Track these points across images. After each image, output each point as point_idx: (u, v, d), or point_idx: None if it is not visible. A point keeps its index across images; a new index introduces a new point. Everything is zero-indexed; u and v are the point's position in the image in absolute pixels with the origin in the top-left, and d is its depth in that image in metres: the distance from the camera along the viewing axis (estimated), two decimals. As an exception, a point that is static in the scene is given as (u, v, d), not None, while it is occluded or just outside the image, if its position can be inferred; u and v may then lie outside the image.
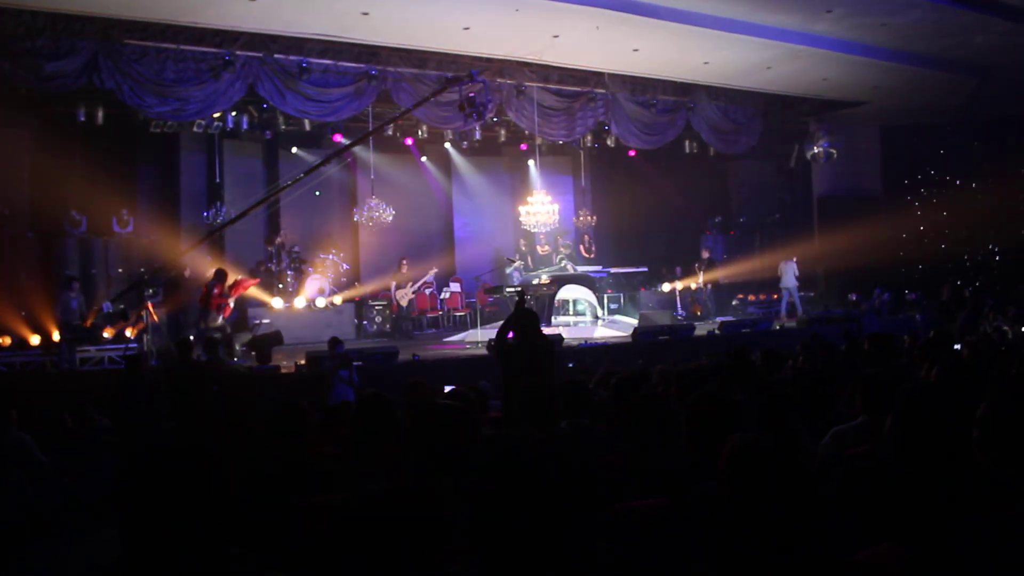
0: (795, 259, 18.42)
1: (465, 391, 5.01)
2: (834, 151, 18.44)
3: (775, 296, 19.15)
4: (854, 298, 18.77)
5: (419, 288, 17.09)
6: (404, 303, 16.79)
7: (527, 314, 7.42)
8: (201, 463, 1.64)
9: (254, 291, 15.38)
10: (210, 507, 1.61)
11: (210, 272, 13.81)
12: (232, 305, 13.54)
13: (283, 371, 11.56)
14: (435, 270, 17.43)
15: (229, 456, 3.24)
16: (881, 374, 3.93)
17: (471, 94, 11.98)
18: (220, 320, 13.19)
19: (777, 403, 3.75)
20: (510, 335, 7.36)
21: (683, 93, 17.20)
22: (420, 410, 2.67)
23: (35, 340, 12.87)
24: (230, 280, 13.52)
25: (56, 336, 12.96)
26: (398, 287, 16.72)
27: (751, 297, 19.34)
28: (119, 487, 1.61)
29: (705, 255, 18.70)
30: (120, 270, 15.01)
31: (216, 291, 13.21)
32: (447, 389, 6.25)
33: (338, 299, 16.44)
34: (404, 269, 17.06)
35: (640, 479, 3.26)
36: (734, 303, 19.12)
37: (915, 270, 20.24)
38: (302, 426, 3.63)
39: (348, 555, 2.25)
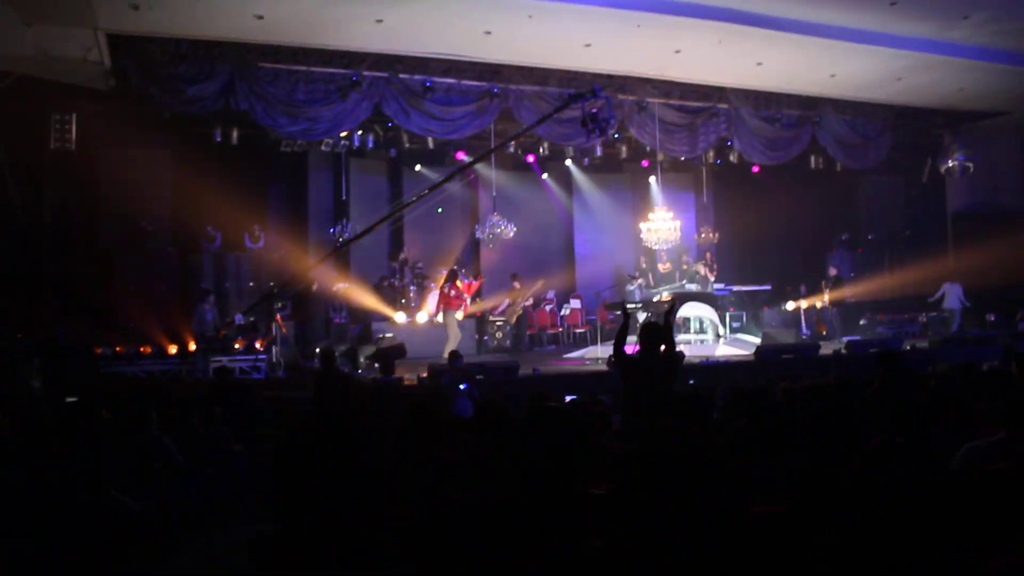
0: (960, 282, 17.71)
1: (586, 401, 5.02)
2: (970, 164, 17.66)
3: (906, 316, 18.42)
4: (992, 319, 17.84)
5: (529, 304, 17.17)
6: (512, 320, 16.90)
7: (651, 327, 7.33)
8: (352, 441, 1.69)
9: (378, 305, 15.81)
10: (359, 484, 1.65)
11: (441, 275, 15.17)
12: (469, 303, 14.90)
13: (406, 383, 11.77)
14: (541, 282, 17.51)
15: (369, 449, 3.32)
16: None
17: (593, 110, 11.97)
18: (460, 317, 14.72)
19: (914, 411, 3.62)
20: (631, 349, 7.30)
21: (808, 107, 16.82)
22: (534, 412, 2.68)
23: (172, 350, 13.46)
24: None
25: (192, 346, 13.54)
26: (510, 304, 16.88)
27: (880, 316, 18.61)
28: (280, 458, 1.66)
29: (832, 272, 18.11)
30: (251, 284, 15.63)
31: (452, 292, 14.51)
32: (568, 399, 6.26)
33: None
34: (517, 285, 17.23)
35: (760, 487, 3.20)
36: (862, 323, 18.46)
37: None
38: (433, 426, 3.70)
39: (471, 550, 2.31)
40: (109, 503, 4.99)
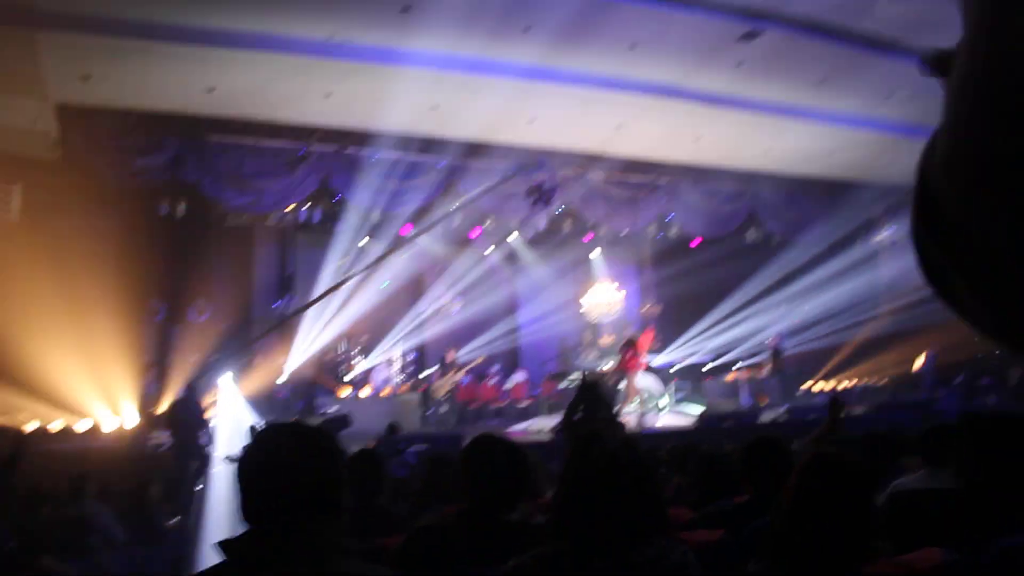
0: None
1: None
2: (901, 238, 18.28)
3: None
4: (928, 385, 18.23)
5: (458, 378, 16.99)
6: (439, 395, 16.52)
7: (593, 390, 7.43)
8: (321, 450, 1.73)
9: (324, 381, 15.70)
10: (325, 493, 1.70)
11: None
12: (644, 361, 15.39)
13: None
14: (481, 358, 17.33)
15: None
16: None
17: (537, 182, 12.28)
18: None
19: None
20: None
21: (746, 182, 17.32)
22: (472, 443, 2.79)
23: (113, 423, 13.18)
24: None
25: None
26: (440, 376, 16.60)
27: (817, 387, 18.95)
28: (241, 462, 1.70)
29: (771, 342, 18.46)
30: (196, 356, 15.40)
31: (630, 356, 14.83)
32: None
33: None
34: (449, 357, 16.92)
35: (702, 521, 3.31)
36: (799, 392, 18.77)
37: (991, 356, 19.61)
38: (379, 472, 3.71)
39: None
40: (44, 571, 4.86)
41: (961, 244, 0.58)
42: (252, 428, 11.57)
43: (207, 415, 11.91)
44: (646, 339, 15.78)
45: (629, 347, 15.05)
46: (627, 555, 1.90)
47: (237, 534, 1.68)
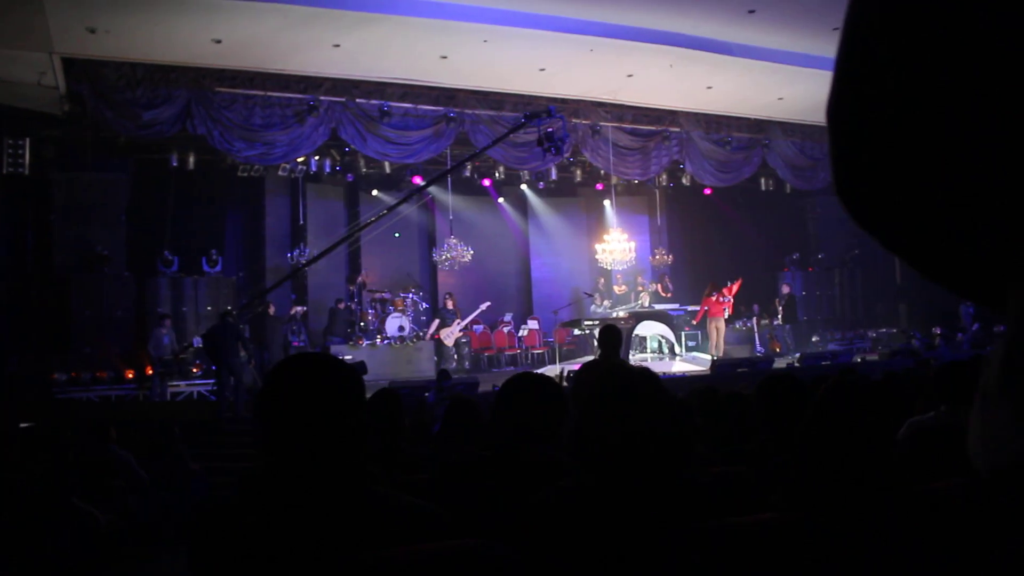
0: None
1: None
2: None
3: (856, 333, 18.83)
4: (938, 332, 18.26)
5: (467, 326, 17.00)
6: (450, 343, 16.43)
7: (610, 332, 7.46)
8: (344, 376, 1.70)
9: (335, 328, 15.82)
10: (350, 419, 1.66)
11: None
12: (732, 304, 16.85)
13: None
14: (488, 303, 17.05)
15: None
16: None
17: (549, 129, 12.19)
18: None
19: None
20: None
21: (758, 130, 17.24)
22: (507, 381, 2.77)
23: (129, 374, 13.34)
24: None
25: (149, 370, 13.42)
26: (441, 326, 16.49)
27: (831, 334, 19.00)
28: (264, 391, 1.68)
29: (785, 291, 18.48)
30: (209, 308, 15.53)
31: (717, 297, 16.32)
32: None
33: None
34: (450, 305, 16.77)
35: (724, 460, 3.35)
36: (814, 339, 18.82)
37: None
38: (398, 412, 3.73)
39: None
40: (75, 513, 4.97)
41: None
42: (227, 313, 11.82)
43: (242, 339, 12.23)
44: (734, 286, 16.85)
45: (717, 291, 16.30)
46: (652, 484, 1.92)
47: (262, 467, 1.65)
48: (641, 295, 18.30)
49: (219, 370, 11.66)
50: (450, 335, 16.42)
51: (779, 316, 18.20)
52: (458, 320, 16.60)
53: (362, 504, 1.65)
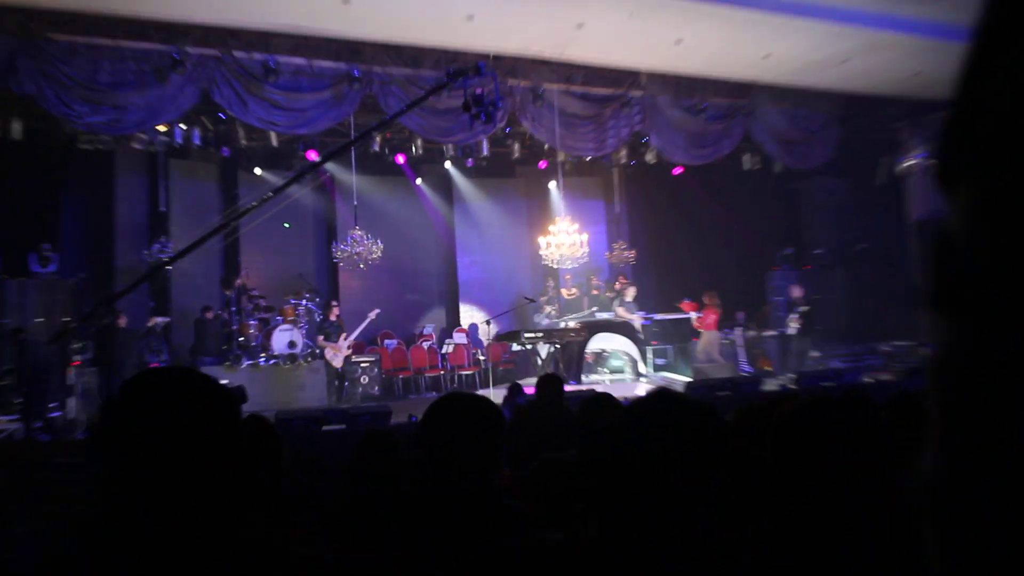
0: None
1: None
2: (933, 163, 18.48)
3: (865, 346, 19.09)
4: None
5: (353, 340, 16.70)
6: (338, 364, 16.13)
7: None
8: (213, 397, 1.67)
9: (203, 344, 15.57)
10: (221, 454, 1.63)
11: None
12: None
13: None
14: (377, 311, 16.73)
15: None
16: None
17: (478, 92, 12.07)
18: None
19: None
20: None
21: (740, 95, 17.37)
22: (434, 404, 2.79)
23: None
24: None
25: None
26: (324, 339, 16.16)
27: (832, 347, 19.22)
28: (107, 419, 1.61)
29: (796, 294, 18.15)
30: (41, 319, 15.14)
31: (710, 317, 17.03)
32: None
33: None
34: (333, 316, 16.46)
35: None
36: (812, 354, 19.01)
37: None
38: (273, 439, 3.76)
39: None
40: None
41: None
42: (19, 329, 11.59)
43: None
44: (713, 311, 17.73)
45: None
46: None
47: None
48: (596, 299, 18.36)
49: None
50: (336, 355, 16.13)
51: (792, 328, 17.90)
52: (344, 334, 16.37)
53: (234, 557, 1.62)
